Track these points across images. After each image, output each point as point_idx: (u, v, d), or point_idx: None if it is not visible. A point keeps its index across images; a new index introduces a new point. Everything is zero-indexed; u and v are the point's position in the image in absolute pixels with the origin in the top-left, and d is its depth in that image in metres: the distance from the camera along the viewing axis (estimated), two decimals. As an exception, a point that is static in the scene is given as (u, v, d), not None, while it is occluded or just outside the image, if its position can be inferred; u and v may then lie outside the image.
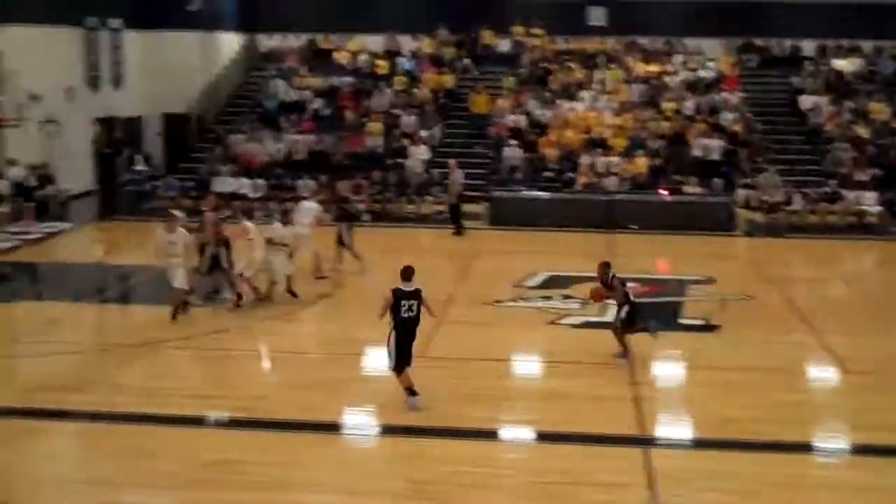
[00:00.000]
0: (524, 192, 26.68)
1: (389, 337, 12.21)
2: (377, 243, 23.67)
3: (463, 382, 13.53)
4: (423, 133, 30.01)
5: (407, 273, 12.30)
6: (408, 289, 12.19)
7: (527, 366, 15.17)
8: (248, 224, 17.40)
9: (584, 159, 28.06)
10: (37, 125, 26.28)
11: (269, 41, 37.39)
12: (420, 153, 28.49)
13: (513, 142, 28.90)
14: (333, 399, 12.93)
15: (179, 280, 16.01)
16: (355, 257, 20.02)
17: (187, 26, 32.30)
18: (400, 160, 28.70)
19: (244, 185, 27.34)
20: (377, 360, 13.15)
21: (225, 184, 27.37)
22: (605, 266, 14.74)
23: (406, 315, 12.09)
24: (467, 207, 25.99)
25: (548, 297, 18.15)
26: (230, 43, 36.61)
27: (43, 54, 26.36)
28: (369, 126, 30.39)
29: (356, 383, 13.84)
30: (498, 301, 17.92)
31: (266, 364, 15.24)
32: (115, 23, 31.17)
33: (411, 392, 12.31)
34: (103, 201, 28.54)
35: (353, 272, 19.72)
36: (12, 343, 16.24)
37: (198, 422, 12.25)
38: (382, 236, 24.37)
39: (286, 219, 18.53)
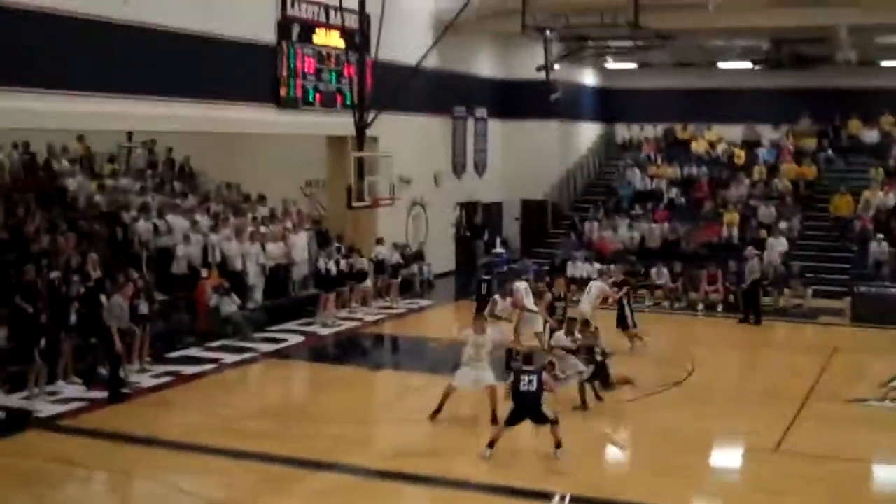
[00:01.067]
0: (891, 289, 25.13)
1: None
2: (730, 335, 23.23)
3: (817, 482, 12.75)
4: (782, 224, 29.08)
5: (527, 359, 14.61)
6: (528, 368, 13.71)
7: (889, 469, 14.12)
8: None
9: (959, 256, 26.10)
10: (405, 207, 27.89)
11: (626, 131, 37.92)
12: (778, 244, 27.55)
13: (879, 236, 27.36)
14: (683, 486, 12.63)
15: (469, 381, 15.27)
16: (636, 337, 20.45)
17: (548, 116, 33.21)
18: (757, 251, 27.85)
19: (597, 271, 27.49)
20: (725, 451, 12.73)
21: (578, 269, 27.71)
22: None
23: (524, 388, 13.31)
24: (829, 303, 25.38)
25: (917, 399, 16.91)
26: (588, 132, 37.39)
27: (414, 140, 28.02)
28: (726, 216, 29.85)
29: (705, 471, 13.49)
30: (861, 399, 16.86)
31: (615, 447, 15.13)
32: (481, 112, 32.67)
33: (490, 444, 13.32)
34: (462, 281, 29.69)
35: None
36: (373, 409, 17.16)
37: (544, 496, 12.28)
38: (735, 329, 23.78)
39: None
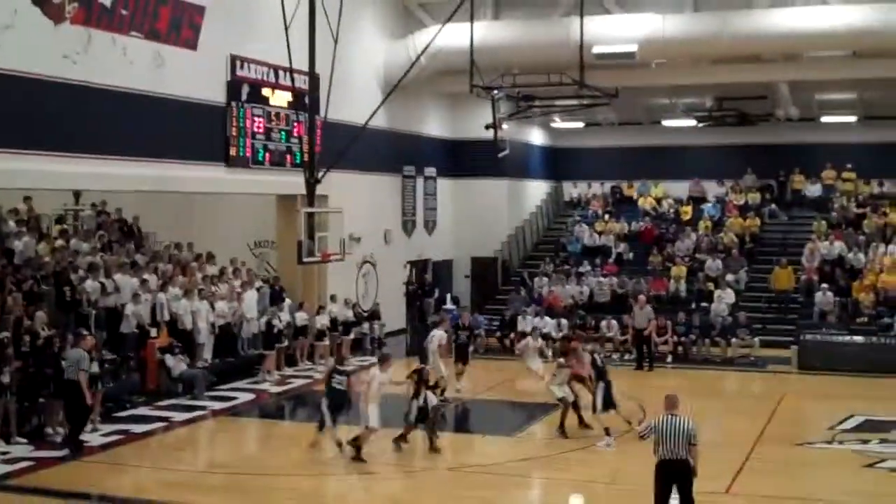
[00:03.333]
0: (836, 336, 25.51)
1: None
2: (680, 384, 23.42)
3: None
4: (729, 277, 29.50)
5: (339, 360, 17.57)
6: (341, 369, 16.41)
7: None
8: None
9: (904, 304, 26.59)
10: (355, 264, 27.96)
11: (573, 189, 38.46)
12: (725, 296, 27.95)
13: (824, 286, 27.84)
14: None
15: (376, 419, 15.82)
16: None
17: (496, 174, 33.53)
18: (704, 304, 28.27)
19: (548, 325, 27.69)
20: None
21: (529, 323, 27.86)
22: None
23: (335, 386, 15.88)
24: (776, 352, 25.80)
25: (865, 441, 17.13)
26: (536, 190, 37.79)
27: (364, 199, 28.18)
28: (673, 269, 30.26)
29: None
30: (809, 442, 17.10)
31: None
32: (430, 171, 32.98)
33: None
34: (412, 339, 29.67)
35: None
36: (324, 463, 17.05)
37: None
38: (684, 378, 24.09)
39: None
